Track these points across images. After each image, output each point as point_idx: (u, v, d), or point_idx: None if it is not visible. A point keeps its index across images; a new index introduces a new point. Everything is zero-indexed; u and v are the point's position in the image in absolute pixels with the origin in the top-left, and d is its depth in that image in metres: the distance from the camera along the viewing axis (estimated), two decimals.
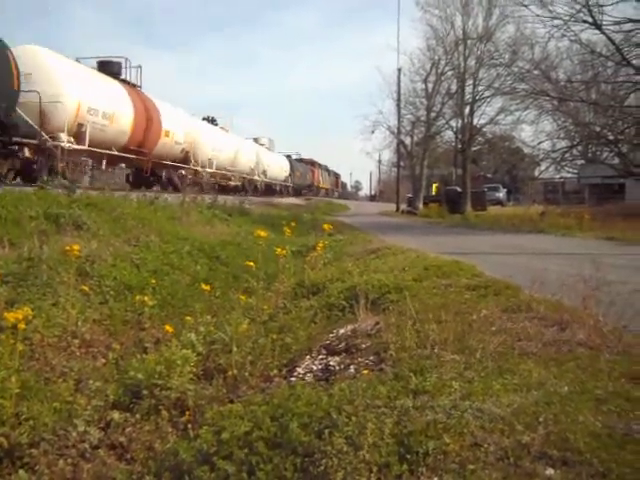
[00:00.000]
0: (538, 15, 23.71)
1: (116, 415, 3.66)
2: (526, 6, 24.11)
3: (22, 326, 3.33)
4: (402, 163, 46.96)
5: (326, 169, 71.09)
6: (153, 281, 7.00)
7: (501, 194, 50.32)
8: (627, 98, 25.07)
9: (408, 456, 2.40)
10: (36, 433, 3.21)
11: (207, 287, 6.01)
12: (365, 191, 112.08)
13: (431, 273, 6.86)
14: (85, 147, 18.07)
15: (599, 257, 6.45)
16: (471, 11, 34.96)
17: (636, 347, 3.70)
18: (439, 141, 43.54)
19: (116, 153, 20.32)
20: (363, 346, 4.48)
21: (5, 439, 3.10)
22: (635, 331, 4.00)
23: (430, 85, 38.99)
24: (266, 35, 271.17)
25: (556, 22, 23.04)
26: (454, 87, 37.55)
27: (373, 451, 2.45)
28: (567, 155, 30.83)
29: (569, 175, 44.33)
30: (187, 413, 3.73)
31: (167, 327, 4.83)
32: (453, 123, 38.83)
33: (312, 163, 62.32)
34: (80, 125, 17.89)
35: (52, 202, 9.67)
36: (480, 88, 35.02)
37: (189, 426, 3.51)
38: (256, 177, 39.14)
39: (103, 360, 4.68)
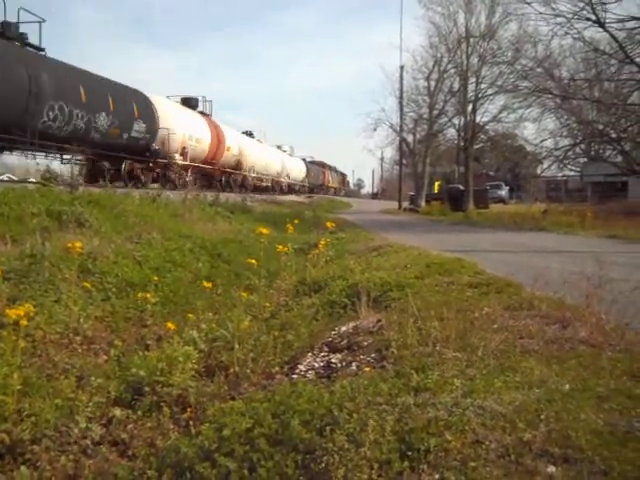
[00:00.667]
0: (541, 13, 23.63)
1: (118, 412, 3.66)
2: (529, 4, 24.01)
3: (24, 323, 3.33)
4: (404, 161, 46.85)
5: (335, 170, 76.85)
6: (155, 278, 7.01)
7: (503, 192, 50.30)
8: (630, 96, 25.00)
9: (409, 453, 2.40)
10: (38, 429, 3.21)
11: (209, 284, 6.01)
12: (367, 189, 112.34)
13: (433, 271, 6.86)
14: (187, 162, 26.94)
15: (601, 255, 6.43)
16: (474, 9, 34.85)
17: (638, 345, 3.70)
18: (441, 139, 43.44)
19: (200, 165, 29.23)
20: (365, 343, 4.49)
21: (7, 435, 3.10)
22: (637, 329, 3.99)
23: (432, 83, 38.95)
24: (266, 34, 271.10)
25: (559, 20, 22.99)
26: (457, 85, 37.54)
27: (374, 448, 2.45)
28: (570, 153, 30.80)
29: (572, 173, 44.28)
30: (189, 410, 3.74)
31: (169, 324, 4.83)
32: (455, 121, 38.80)
33: (323, 165, 69.08)
34: (184, 148, 26.75)
35: (54, 199, 9.69)
36: (483, 86, 34.96)
37: (190, 423, 3.51)
38: (282, 179, 47.99)
39: (105, 357, 4.68)
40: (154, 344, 5.01)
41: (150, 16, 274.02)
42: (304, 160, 59.06)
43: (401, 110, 40.54)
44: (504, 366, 3.32)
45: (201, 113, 31.20)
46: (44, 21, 17.92)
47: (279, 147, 51.96)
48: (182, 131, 26.33)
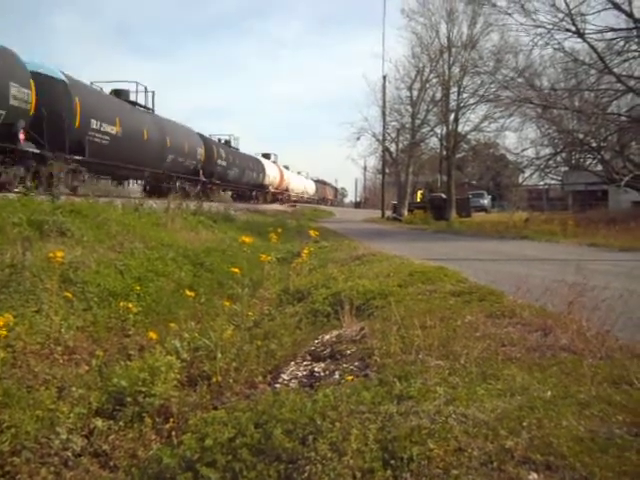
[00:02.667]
0: (522, 24, 23.86)
1: (99, 423, 3.63)
2: (510, 14, 24.25)
3: (2, 333, 3.30)
4: (387, 170, 47.01)
5: (331, 185, 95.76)
6: (137, 288, 6.97)
7: (485, 201, 50.59)
8: (609, 105, 25.25)
9: (392, 462, 2.40)
10: (18, 441, 3.17)
11: (191, 294, 5.99)
12: (350, 198, 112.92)
13: (416, 279, 6.87)
14: (279, 190, 53.07)
15: (582, 263, 6.49)
16: (456, 19, 35.16)
17: (619, 351, 3.73)
18: (424, 148, 43.70)
19: (273, 190, 51.49)
20: (348, 352, 4.48)
21: None
22: (618, 336, 4.02)
23: (415, 92, 39.16)
24: (249, 43, 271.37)
25: (539, 30, 23.22)
26: (439, 94, 37.77)
27: (357, 457, 2.45)
28: (551, 162, 30.97)
29: (553, 182, 44.54)
30: (171, 420, 3.71)
31: (151, 334, 4.81)
32: (438, 130, 39.06)
33: (324, 182, 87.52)
34: (271, 183, 50.12)
35: (36, 209, 9.61)
36: (464, 95, 35.31)
37: (173, 433, 3.49)
38: (304, 194, 67.17)
39: (86, 367, 4.64)
40: (136, 354, 4.98)
41: (133, 26, 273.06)
42: (314, 180, 78.18)
43: (384, 119, 40.70)
44: (486, 374, 3.33)
45: (274, 162, 54.35)
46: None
47: (299, 173, 70.83)
48: (269, 173, 48.79)
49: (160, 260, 8.96)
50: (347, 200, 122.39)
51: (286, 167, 60.99)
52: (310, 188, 72.05)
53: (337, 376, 4.00)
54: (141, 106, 26.14)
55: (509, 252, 13.20)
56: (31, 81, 16.14)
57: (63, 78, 18.28)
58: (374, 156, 47.81)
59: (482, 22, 32.36)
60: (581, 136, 26.80)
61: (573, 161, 35.18)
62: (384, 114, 40.48)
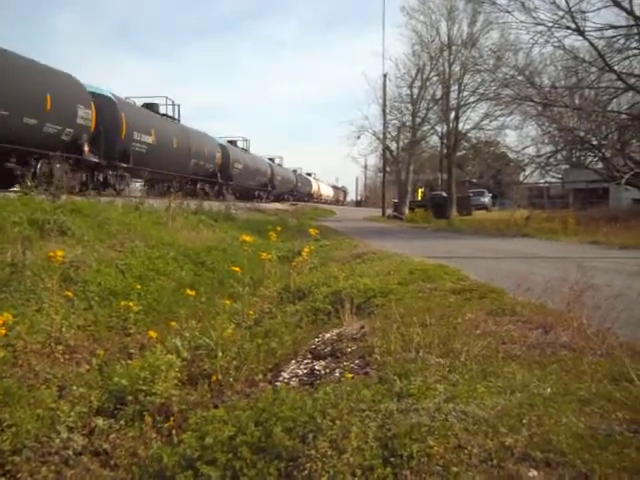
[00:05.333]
0: (522, 21, 23.77)
1: (100, 421, 3.64)
2: (510, 12, 24.14)
3: (2, 332, 3.30)
4: (388, 168, 46.95)
5: (341, 189, 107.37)
6: (138, 287, 6.98)
7: (486, 199, 50.54)
8: (610, 103, 25.19)
9: (392, 459, 2.40)
10: (18, 440, 3.18)
11: (192, 292, 5.99)
12: (351, 196, 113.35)
13: (416, 277, 6.88)
14: (316, 196, 71.54)
15: (583, 261, 6.49)
16: (456, 17, 35.12)
17: (619, 349, 3.73)
18: (425, 146, 43.68)
19: (316, 196, 71.76)
20: (348, 350, 4.49)
21: None
22: (619, 333, 4.02)
23: (415, 91, 39.10)
24: (248, 43, 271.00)
25: (540, 28, 23.15)
26: (439, 93, 37.72)
27: (357, 454, 2.45)
28: (551, 160, 30.94)
29: (554, 180, 44.52)
30: (171, 419, 3.72)
31: (152, 333, 4.81)
32: (438, 128, 39.03)
33: (336, 187, 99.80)
34: (315, 191, 72.86)
35: (36, 208, 9.60)
36: (465, 94, 35.24)
37: (173, 432, 3.49)
38: (327, 198, 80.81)
39: (87, 366, 4.64)
40: (137, 353, 4.99)
41: (132, 26, 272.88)
42: (332, 186, 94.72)
43: (384, 118, 40.64)
44: (486, 371, 3.33)
45: (306, 174, 71.43)
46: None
47: (319, 180, 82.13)
48: (314, 186, 68.71)
49: (161, 259, 8.96)
50: (348, 199, 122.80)
51: (315, 178, 79.34)
52: (330, 192, 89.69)
53: (337, 374, 4.00)
54: (169, 117, 29.33)
55: (510, 250, 13.20)
56: (92, 102, 19.66)
57: (113, 98, 21.96)
58: (375, 154, 47.86)
59: (482, 20, 32.28)
60: (582, 134, 26.75)
61: (574, 159, 35.16)
62: (384, 112, 40.45)
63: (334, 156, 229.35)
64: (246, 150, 44.34)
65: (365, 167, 77.23)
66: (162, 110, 28.57)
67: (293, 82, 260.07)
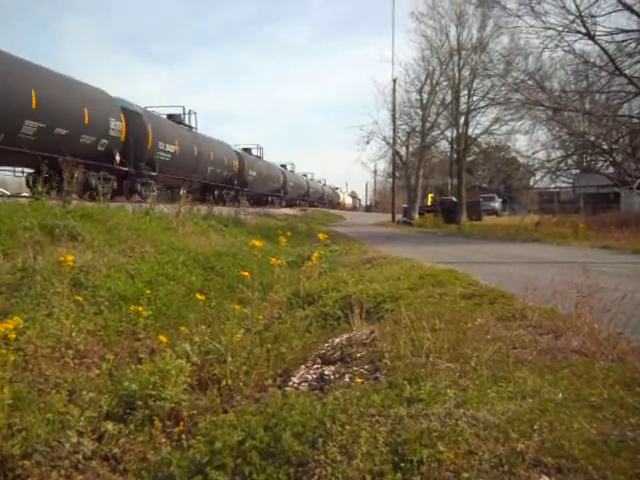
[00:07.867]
0: (532, 26, 23.79)
1: (110, 426, 3.63)
2: (520, 17, 24.16)
3: (13, 336, 3.31)
4: (397, 173, 46.93)
5: (357, 197, 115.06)
6: (148, 291, 6.99)
7: (496, 204, 50.45)
8: (620, 108, 25.14)
9: (402, 464, 2.39)
10: (29, 444, 3.18)
11: (202, 297, 5.99)
12: (361, 201, 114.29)
13: (426, 282, 6.86)
14: (340, 205, 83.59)
15: (594, 266, 6.46)
16: (465, 22, 35.14)
17: (631, 354, 3.70)
18: (434, 151, 43.64)
19: (339, 204, 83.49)
20: (358, 355, 4.48)
21: None
22: (630, 338, 4.00)
23: (425, 96, 39.05)
24: (256, 48, 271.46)
25: (550, 33, 23.16)
26: (449, 97, 37.72)
27: (367, 460, 2.44)
28: (562, 165, 30.93)
29: (564, 185, 44.47)
30: (181, 423, 3.71)
31: (161, 337, 4.81)
32: (448, 133, 39.03)
33: (353, 195, 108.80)
34: (336, 198, 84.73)
35: (47, 213, 9.64)
36: (475, 98, 35.31)
37: (183, 436, 3.49)
38: (347, 205, 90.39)
39: (97, 371, 4.65)
40: (147, 357, 4.99)
41: (142, 33, 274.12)
42: (351, 196, 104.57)
43: (394, 123, 40.65)
44: (497, 376, 3.32)
45: (336, 189, 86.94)
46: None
47: (338, 189, 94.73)
48: (341, 197, 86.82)
49: (171, 264, 8.97)
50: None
51: (341, 191, 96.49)
52: (350, 200, 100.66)
53: (347, 379, 3.99)
54: (188, 126, 30.34)
55: (520, 255, 13.15)
56: (122, 115, 21.39)
57: (140, 110, 23.62)
58: (384, 159, 47.84)
59: (492, 25, 32.30)
60: (592, 138, 26.72)
61: (584, 164, 35.10)
62: (394, 117, 40.46)
63: (343, 162, 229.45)
64: (259, 157, 45.32)
65: (375, 172, 77.58)
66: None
67: (302, 86, 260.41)
